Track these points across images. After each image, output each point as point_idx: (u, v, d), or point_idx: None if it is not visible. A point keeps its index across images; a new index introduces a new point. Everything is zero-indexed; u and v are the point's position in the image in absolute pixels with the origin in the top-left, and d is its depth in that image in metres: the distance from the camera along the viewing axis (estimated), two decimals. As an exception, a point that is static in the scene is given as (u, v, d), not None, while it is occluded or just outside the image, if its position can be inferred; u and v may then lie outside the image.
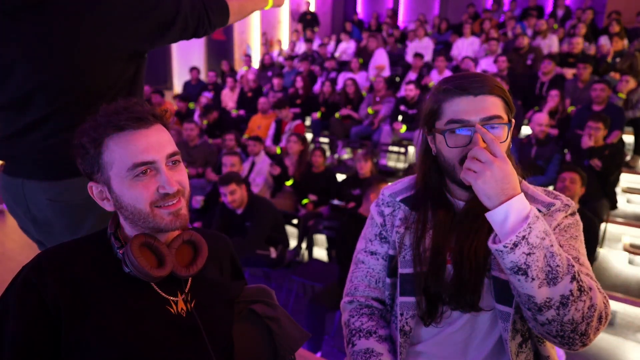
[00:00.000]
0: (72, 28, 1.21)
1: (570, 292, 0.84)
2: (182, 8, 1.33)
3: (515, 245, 0.83)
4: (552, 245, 0.84)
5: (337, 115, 6.02)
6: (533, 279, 0.83)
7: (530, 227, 0.83)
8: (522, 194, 0.88)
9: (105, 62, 1.26)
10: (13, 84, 1.25)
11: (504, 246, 0.84)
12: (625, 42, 6.38)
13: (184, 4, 1.33)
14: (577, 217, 1.03)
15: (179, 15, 1.32)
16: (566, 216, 1.01)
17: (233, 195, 3.22)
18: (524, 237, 0.83)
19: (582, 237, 1.01)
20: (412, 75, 6.56)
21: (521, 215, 0.85)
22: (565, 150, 4.16)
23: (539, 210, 0.99)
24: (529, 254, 0.83)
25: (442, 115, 0.98)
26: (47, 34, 1.21)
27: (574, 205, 1.03)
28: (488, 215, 0.88)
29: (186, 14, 1.34)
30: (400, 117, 5.42)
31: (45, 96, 1.24)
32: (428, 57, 7.28)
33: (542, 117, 4.11)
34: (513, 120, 1.00)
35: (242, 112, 6.81)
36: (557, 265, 0.84)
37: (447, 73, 6.19)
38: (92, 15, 1.21)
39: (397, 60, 7.65)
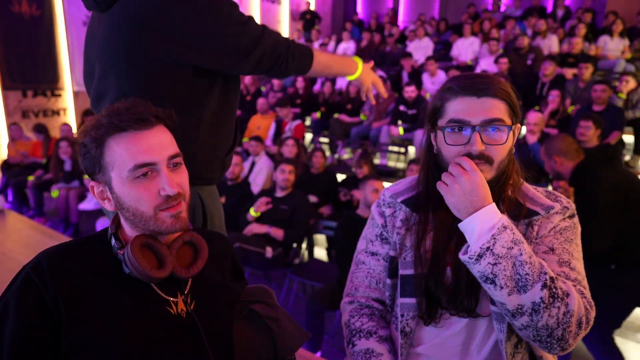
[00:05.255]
0: (123, 32, 1.19)
1: (541, 299, 0.85)
2: (262, 44, 1.25)
3: (480, 256, 0.86)
4: (521, 254, 0.86)
5: (335, 115, 6.02)
6: (502, 287, 0.86)
7: (494, 239, 0.86)
8: (493, 205, 0.90)
9: (156, 73, 1.21)
10: (95, 86, 1.31)
11: (469, 257, 0.88)
12: (627, 41, 6.39)
13: (266, 40, 1.26)
14: (575, 220, 1.03)
15: (256, 48, 1.24)
16: (564, 219, 1.01)
17: (290, 175, 3.57)
18: (488, 248, 0.86)
19: (578, 241, 1.01)
20: (406, 76, 6.56)
21: (487, 227, 0.88)
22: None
23: (538, 214, 1.00)
24: (494, 264, 0.85)
25: (444, 114, 0.99)
26: (108, 36, 1.22)
27: (573, 207, 1.03)
28: (460, 226, 0.92)
29: (264, 52, 1.26)
30: (399, 121, 5.43)
31: (109, 101, 1.25)
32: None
33: (534, 117, 4.13)
34: (518, 125, 1.00)
35: (238, 113, 6.80)
36: (527, 274, 0.85)
37: (441, 74, 6.20)
38: (147, 24, 1.17)
39: (396, 61, 7.66)
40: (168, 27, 1.16)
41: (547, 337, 0.87)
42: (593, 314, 0.91)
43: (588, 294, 0.93)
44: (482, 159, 0.95)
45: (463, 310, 1.00)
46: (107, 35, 1.23)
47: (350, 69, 1.49)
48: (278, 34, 1.31)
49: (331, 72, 1.46)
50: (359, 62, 1.50)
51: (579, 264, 0.98)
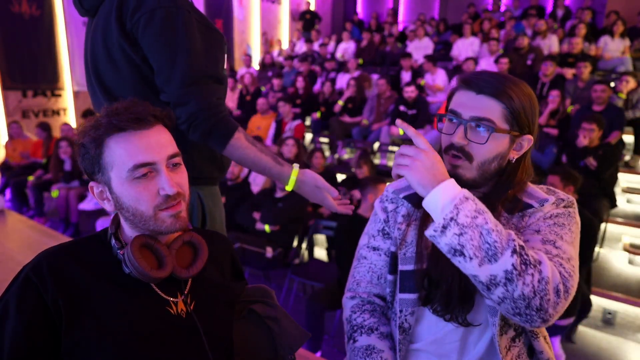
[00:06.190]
0: (104, 33, 1.24)
1: (513, 266, 0.83)
2: (199, 83, 1.20)
3: (445, 227, 0.85)
4: (487, 223, 0.84)
5: (340, 103, 6.00)
6: (471, 258, 0.84)
7: (457, 208, 0.84)
8: (452, 180, 0.89)
9: (135, 72, 1.23)
10: (93, 88, 1.35)
11: (434, 230, 0.86)
12: (627, 41, 6.40)
13: (206, 87, 1.21)
14: (571, 210, 1.01)
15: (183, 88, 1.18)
16: (557, 207, 1.00)
17: None
18: (451, 218, 0.84)
19: (571, 227, 0.98)
20: (405, 76, 6.56)
21: (448, 198, 0.86)
22: (554, 150, 4.18)
23: (532, 206, 0.99)
24: (460, 234, 0.84)
25: (449, 104, 1.02)
26: (94, 38, 1.28)
27: (571, 200, 1.02)
28: (423, 204, 0.90)
29: (197, 92, 1.18)
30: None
31: (105, 100, 1.29)
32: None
33: None
34: (528, 136, 0.99)
35: (238, 113, 6.81)
36: (495, 241, 0.83)
37: (440, 72, 6.20)
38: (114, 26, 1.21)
39: (396, 60, 7.66)
40: (127, 26, 1.19)
41: (525, 308, 0.84)
42: (572, 282, 0.88)
43: (568, 266, 0.90)
44: (461, 152, 0.96)
45: (458, 315, 1.00)
46: (93, 39, 1.28)
47: (280, 179, 1.30)
48: (216, 99, 1.23)
49: (256, 170, 1.31)
50: (293, 174, 1.28)
51: (566, 246, 0.94)
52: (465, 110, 0.96)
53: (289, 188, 1.30)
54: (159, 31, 1.17)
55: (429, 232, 0.88)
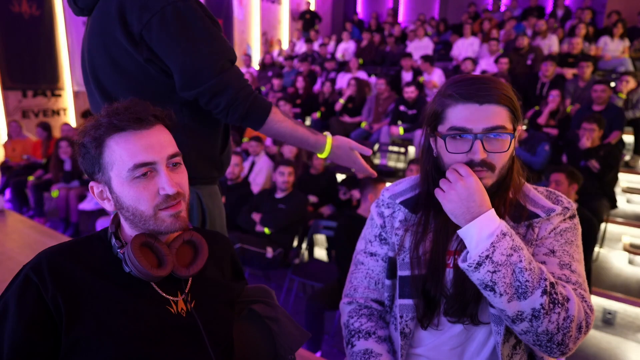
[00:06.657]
0: (101, 31, 1.23)
1: (541, 306, 0.85)
2: (228, 79, 1.20)
3: (479, 264, 0.86)
4: (521, 261, 0.86)
5: (341, 101, 5.99)
6: (501, 295, 0.86)
7: (494, 247, 0.86)
8: (491, 211, 0.90)
9: (133, 72, 1.22)
10: (90, 88, 1.35)
11: (468, 265, 0.87)
12: (627, 42, 6.40)
13: (231, 75, 1.22)
14: (576, 220, 1.02)
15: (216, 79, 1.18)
16: (564, 220, 1.01)
17: (289, 177, 3.61)
18: (487, 256, 0.86)
19: (578, 242, 1.01)
20: (406, 76, 6.56)
21: (485, 234, 0.87)
22: (546, 148, 4.19)
23: (538, 216, 0.99)
24: (494, 271, 0.85)
25: (445, 120, 0.97)
26: (91, 37, 1.28)
27: (574, 207, 1.03)
28: (459, 233, 0.92)
29: (226, 85, 1.20)
30: (399, 122, 5.44)
31: (102, 100, 1.30)
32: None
33: None
34: (519, 128, 0.99)
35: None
36: (527, 280, 0.85)
37: (437, 71, 6.20)
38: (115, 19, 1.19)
39: (396, 61, 7.66)
40: (135, 28, 1.17)
41: (547, 342, 0.87)
42: (593, 317, 0.91)
43: (588, 297, 0.93)
44: (484, 166, 0.94)
45: (465, 316, 1.00)
46: (90, 37, 1.27)
47: (316, 148, 1.34)
48: (245, 79, 1.26)
49: (292, 143, 1.34)
50: (328, 142, 1.34)
51: (579, 266, 0.97)
52: (475, 124, 0.93)
53: (323, 155, 1.34)
54: (175, 28, 1.16)
55: (462, 265, 0.89)
